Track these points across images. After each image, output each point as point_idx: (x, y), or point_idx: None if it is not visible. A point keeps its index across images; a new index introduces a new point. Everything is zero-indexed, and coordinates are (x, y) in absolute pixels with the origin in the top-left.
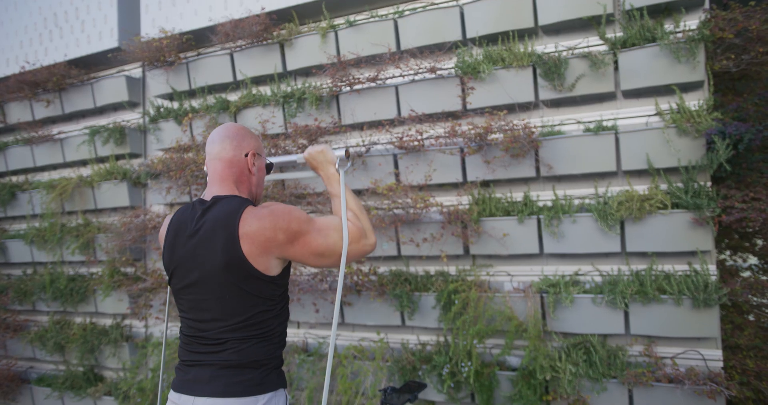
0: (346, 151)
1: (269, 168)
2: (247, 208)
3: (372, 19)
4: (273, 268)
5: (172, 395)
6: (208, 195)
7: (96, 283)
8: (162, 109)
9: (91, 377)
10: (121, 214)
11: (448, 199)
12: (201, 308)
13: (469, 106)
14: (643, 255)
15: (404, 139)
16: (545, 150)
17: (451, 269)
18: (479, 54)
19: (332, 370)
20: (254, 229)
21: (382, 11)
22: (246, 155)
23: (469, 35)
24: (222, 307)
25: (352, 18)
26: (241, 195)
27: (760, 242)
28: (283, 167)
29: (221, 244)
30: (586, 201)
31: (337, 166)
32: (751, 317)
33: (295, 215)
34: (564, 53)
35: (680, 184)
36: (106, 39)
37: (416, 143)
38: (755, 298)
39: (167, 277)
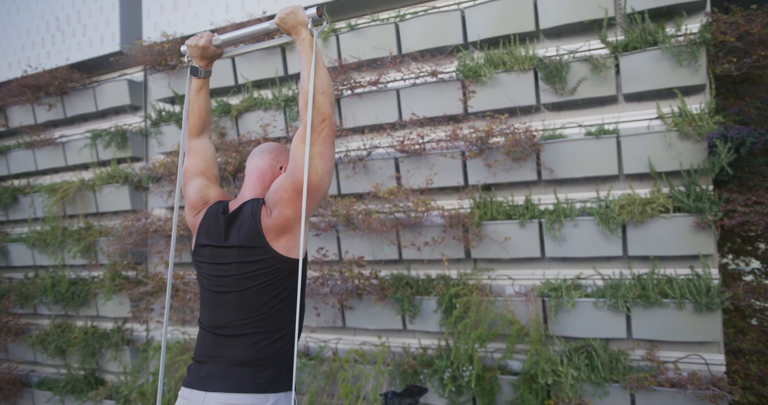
0: (318, 9)
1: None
2: (261, 209)
3: (373, 23)
4: (300, 243)
5: (183, 391)
6: (238, 198)
7: (97, 286)
8: (164, 113)
9: (92, 381)
10: (123, 217)
11: (450, 203)
12: (223, 300)
13: (470, 110)
14: (645, 259)
15: (405, 142)
16: (547, 153)
17: (453, 273)
18: (480, 57)
19: (333, 375)
20: (270, 223)
21: (383, 15)
22: (281, 168)
23: (470, 39)
24: (243, 300)
25: (353, 22)
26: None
27: (762, 246)
28: (258, 38)
29: (255, 248)
30: (588, 204)
31: (309, 26)
32: (753, 321)
33: (279, 186)
34: (565, 57)
35: (682, 188)
36: (108, 43)
37: (417, 147)
38: (758, 302)
39: (195, 267)
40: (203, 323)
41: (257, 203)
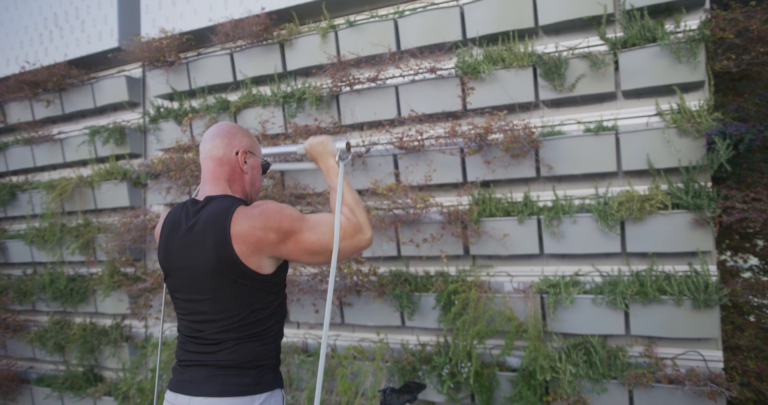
0: (347, 144)
1: (266, 168)
2: (238, 208)
3: (372, 20)
4: (265, 267)
5: (169, 395)
6: (201, 195)
7: (96, 283)
8: (162, 109)
9: (90, 377)
10: (121, 214)
11: (448, 200)
12: (196, 308)
13: (469, 107)
14: (643, 255)
15: (404, 139)
16: (545, 150)
17: (451, 270)
18: (479, 54)
19: (332, 371)
20: (245, 228)
21: (382, 11)
22: (237, 153)
23: (469, 35)
24: (216, 307)
25: (352, 18)
26: (234, 194)
27: (760, 243)
28: (283, 158)
29: (213, 244)
30: (587, 201)
31: (337, 158)
32: (751, 318)
33: (286, 213)
34: (564, 53)
35: (681, 185)
36: (107, 39)
37: (416, 143)
38: (756, 299)
39: (164, 277)
40: (181, 331)
41: (233, 202)
